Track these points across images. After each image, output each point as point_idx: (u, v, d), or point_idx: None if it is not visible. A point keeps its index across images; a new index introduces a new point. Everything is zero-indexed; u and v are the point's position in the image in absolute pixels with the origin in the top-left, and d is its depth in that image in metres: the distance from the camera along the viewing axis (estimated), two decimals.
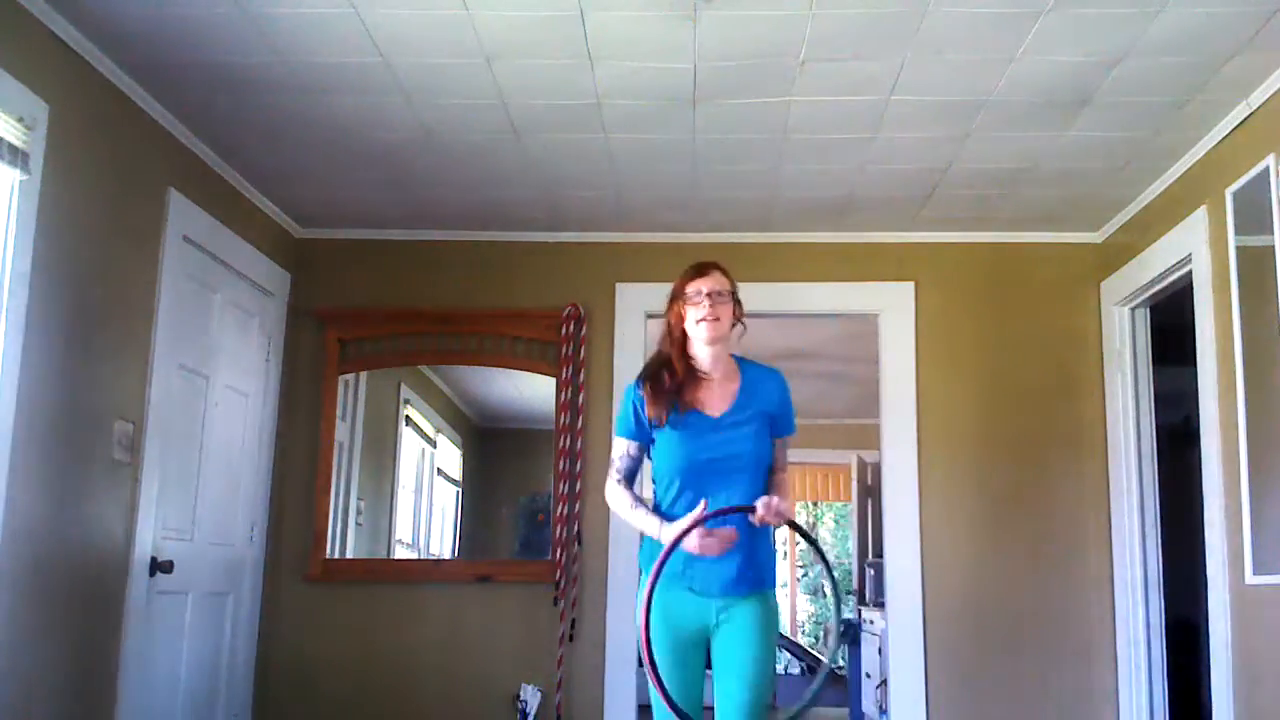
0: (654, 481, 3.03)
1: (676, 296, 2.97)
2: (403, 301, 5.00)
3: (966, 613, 4.70)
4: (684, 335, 2.95)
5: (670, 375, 2.92)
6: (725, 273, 2.95)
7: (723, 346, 2.93)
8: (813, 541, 3.08)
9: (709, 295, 2.87)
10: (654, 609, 2.81)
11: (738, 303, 2.96)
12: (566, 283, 4.97)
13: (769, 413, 2.93)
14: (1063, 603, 4.68)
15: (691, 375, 2.93)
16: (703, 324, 2.87)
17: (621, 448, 3.01)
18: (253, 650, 4.67)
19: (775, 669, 2.74)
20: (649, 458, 3.03)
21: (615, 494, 3.02)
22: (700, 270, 2.93)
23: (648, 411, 2.92)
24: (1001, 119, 3.75)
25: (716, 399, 2.92)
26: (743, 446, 2.87)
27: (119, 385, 3.65)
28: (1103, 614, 4.64)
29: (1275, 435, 3.40)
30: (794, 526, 2.85)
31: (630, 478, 3.04)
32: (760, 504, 2.76)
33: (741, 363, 2.99)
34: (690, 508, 2.81)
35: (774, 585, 3.00)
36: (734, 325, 2.94)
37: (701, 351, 2.92)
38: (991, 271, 4.94)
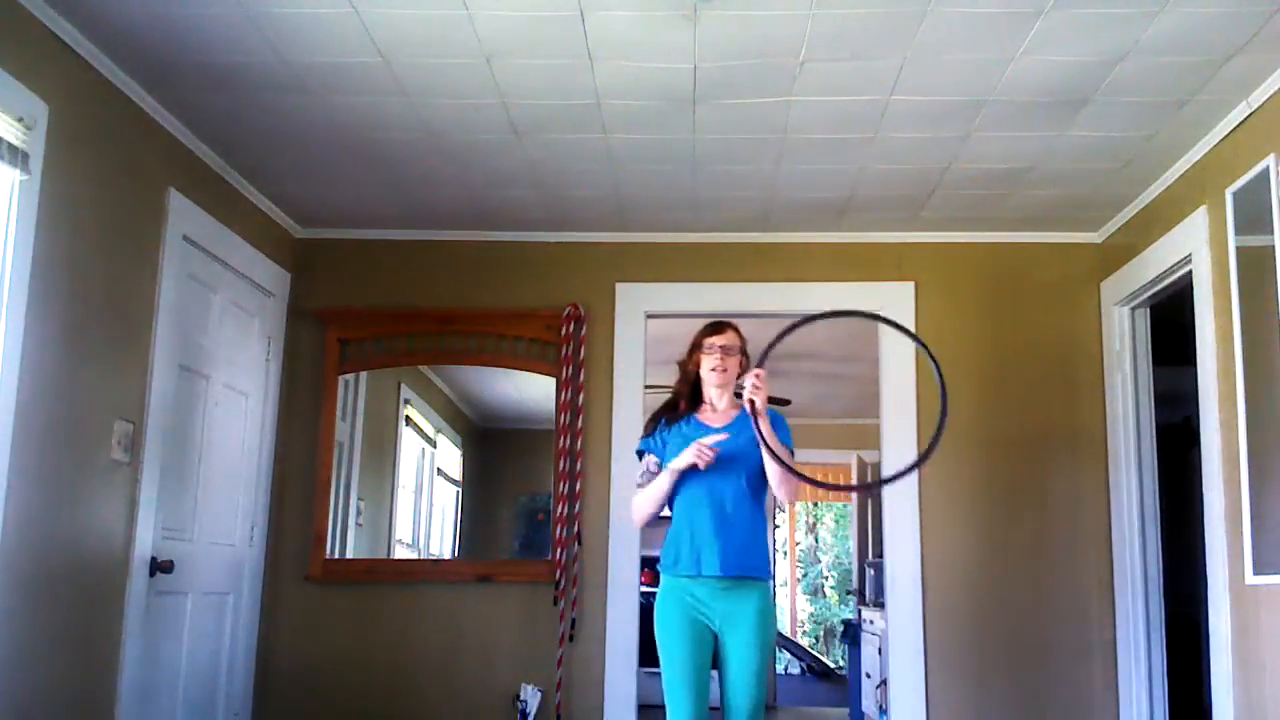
0: (671, 508, 3.48)
1: (696, 347, 3.54)
2: (403, 301, 5.00)
3: (966, 612, 4.70)
4: (698, 378, 3.52)
5: (683, 403, 3.53)
6: (738, 331, 3.52)
7: (728, 391, 3.49)
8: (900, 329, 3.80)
9: (721, 349, 3.46)
10: (667, 605, 3.34)
11: (745, 355, 3.52)
12: (566, 283, 4.98)
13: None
14: (1063, 602, 4.68)
15: (700, 405, 3.54)
16: (713, 372, 3.46)
17: (642, 464, 3.53)
18: (253, 650, 4.67)
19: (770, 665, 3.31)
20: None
21: (636, 494, 3.51)
22: (717, 328, 3.52)
23: (667, 420, 3.50)
24: (1001, 119, 3.76)
25: (719, 420, 3.48)
26: (740, 447, 3.34)
27: (119, 385, 3.65)
28: (1103, 613, 4.64)
29: (1275, 435, 3.40)
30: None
31: None
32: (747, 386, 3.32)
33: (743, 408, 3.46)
34: (700, 510, 3.33)
35: (770, 576, 3.43)
36: (740, 373, 3.49)
37: (711, 393, 3.51)
38: (991, 271, 4.94)
